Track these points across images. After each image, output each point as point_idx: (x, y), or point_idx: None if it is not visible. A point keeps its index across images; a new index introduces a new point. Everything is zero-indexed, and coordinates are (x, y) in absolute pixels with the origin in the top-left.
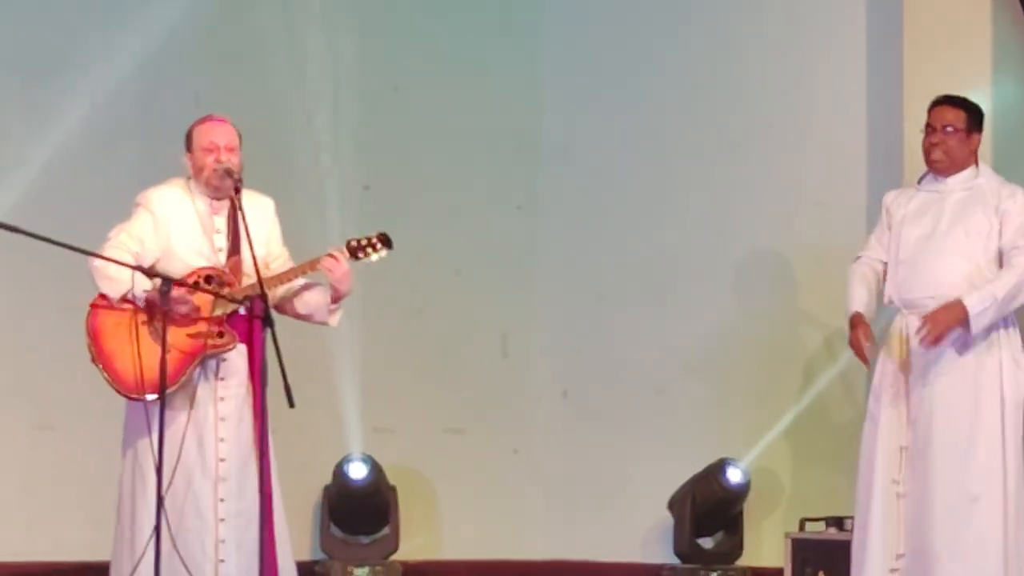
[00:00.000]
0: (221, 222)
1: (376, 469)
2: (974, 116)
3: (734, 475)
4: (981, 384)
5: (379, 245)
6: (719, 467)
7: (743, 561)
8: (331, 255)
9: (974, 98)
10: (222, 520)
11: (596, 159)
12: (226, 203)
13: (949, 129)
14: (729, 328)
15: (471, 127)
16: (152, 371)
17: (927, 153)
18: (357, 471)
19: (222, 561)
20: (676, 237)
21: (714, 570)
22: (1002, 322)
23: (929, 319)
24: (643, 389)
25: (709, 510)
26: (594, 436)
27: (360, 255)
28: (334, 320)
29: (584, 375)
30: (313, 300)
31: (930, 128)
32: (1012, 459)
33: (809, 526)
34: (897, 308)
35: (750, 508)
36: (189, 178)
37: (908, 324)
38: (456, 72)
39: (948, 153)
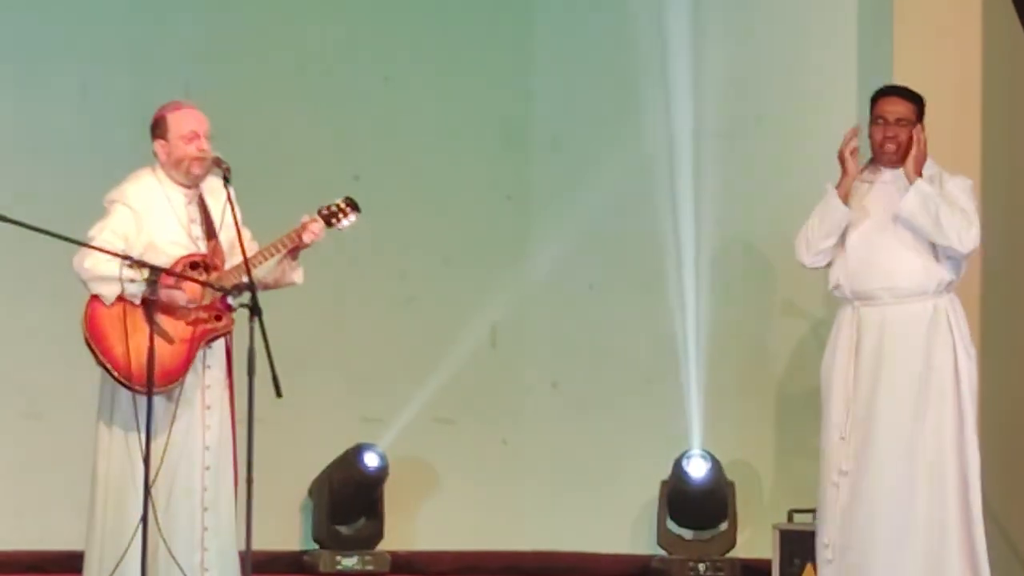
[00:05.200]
0: (194, 211)
1: (385, 459)
2: (921, 108)
3: (696, 467)
4: (931, 378)
5: (348, 210)
6: (679, 459)
7: (734, 553)
8: (308, 226)
9: (965, 90)
10: (206, 509)
11: (586, 149)
12: (196, 192)
13: (903, 122)
14: (719, 318)
15: (461, 117)
16: (159, 363)
17: (880, 145)
18: (371, 460)
19: (206, 550)
20: (666, 227)
21: (702, 562)
22: (952, 315)
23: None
24: (633, 379)
25: (678, 501)
26: (583, 426)
27: (333, 221)
28: (299, 276)
29: (574, 365)
30: (277, 266)
31: (881, 120)
32: (971, 451)
33: (797, 518)
34: (848, 299)
35: (740, 499)
36: (155, 168)
37: (860, 316)
38: (446, 62)
39: (900, 146)
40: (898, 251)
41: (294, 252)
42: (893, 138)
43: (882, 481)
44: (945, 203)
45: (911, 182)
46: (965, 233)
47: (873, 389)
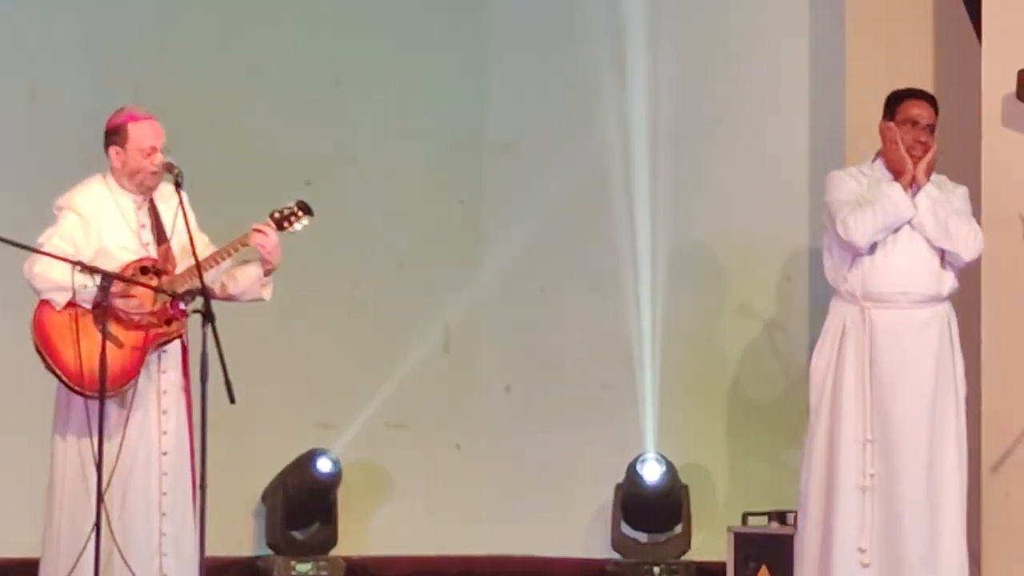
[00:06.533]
0: (144, 216)
1: (339, 465)
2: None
3: (650, 470)
4: (939, 385)
5: (301, 213)
6: (633, 463)
7: (688, 555)
8: (258, 229)
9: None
10: (164, 514)
11: (538, 153)
12: (146, 197)
13: (932, 128)
14: (672, 321)
15: (414, 122)
16: (109, 368)
17: (910, 148)
18: (324, 465)
19: (164, 555)
20: (619, 231)
21: (657, 564)
22: (952, 322)
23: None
24: (586, 384)
25: (632, 504)
26: (537, 431)
27: (286, 225)
28: (267, 293)
29: (527, 370)
30: (245, 279)
31: (913, 124)
32: (964, 456)
33: (752, 520)
34: (855, 299)
35: (695, 502)
36: (105, 174)
37: (871, 318)
38: (399, 67)
39: (927, 152)
40: (914, 255)
41: (267, 270)
42: (925, 143)
43: (910, 487)
44: (953, 210)
45: (920, 186)
46: (972, 241)
47: (892, 393)
